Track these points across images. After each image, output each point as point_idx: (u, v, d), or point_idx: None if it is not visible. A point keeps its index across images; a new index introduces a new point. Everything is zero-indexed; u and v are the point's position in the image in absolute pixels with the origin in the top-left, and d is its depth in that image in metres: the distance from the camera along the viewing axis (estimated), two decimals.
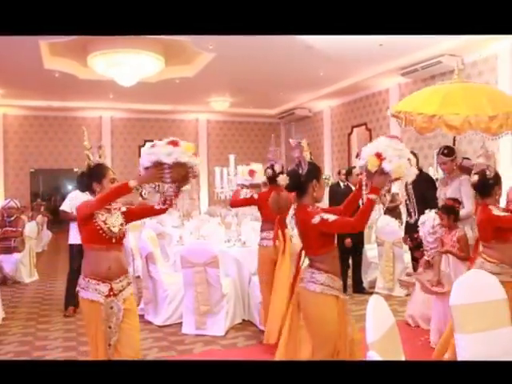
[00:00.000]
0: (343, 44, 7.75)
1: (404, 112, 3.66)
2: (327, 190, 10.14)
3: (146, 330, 4.04)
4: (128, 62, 8.27)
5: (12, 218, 6.22)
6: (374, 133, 11.23)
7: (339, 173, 6.65)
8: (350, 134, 12.43)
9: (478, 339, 1.98)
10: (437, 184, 4.23)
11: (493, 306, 2.06)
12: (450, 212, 3.46)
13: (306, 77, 10.15)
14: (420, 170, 4.34)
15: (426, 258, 3.66)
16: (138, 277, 5.04)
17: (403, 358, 1.78)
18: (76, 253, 4.65)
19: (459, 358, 1.99)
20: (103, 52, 8.14)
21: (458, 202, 3.51)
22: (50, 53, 8.72)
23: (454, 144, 3.94)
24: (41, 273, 6.80)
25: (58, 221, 11.42)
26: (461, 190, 3.65)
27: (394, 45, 7.81)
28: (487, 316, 2.03)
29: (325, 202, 11.07)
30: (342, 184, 5.80)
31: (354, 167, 5.78)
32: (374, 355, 1.49)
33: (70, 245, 4.69)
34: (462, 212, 3.59)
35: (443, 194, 3.77)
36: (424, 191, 4.13)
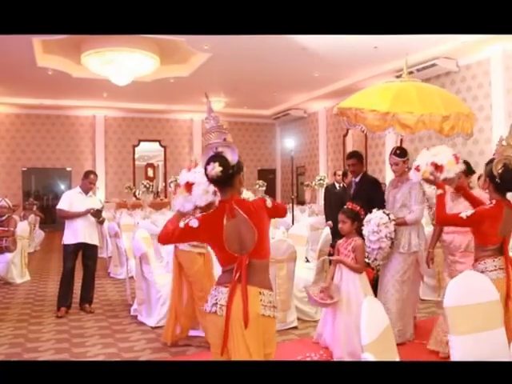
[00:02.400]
0: (338, 46, 7.78)
1: (355, 108, 3.51)
2: (322, 190, 10.20)
3: (139, 331, 4.01)
4: (122, 60, 8.21)
5: (3, 218, 6.13)
6: (369, 134, 11.27)
7: (335, 174, 6.66)
8: (345, 136, 12.47)
9: (471, 340, 2.00)
10: (386, 186, 4.08)
11: (486, 308, 2.07)
12: (356, 218, 3.17)
13: (301, 78, 10.17)
14: (364, 173, 4.18)
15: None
16: (132, 277, 5.00)
17: (397, 359, 1.78)
18: (70, 253, 4.60)
19: (452, 359, 2.00)
20: (97, 50, 8.08)
21: (360, 206, 3.26)
22: (43, 50, 8.64)
23: (401, 145, 3.90)
24: (33, 273, 6.72)
25: (50, 220, 11.35)
26: (411, 193, 3.54)
27: (389, 47, 7.86)
28: (480, 317, 2.05)
29: (320, 204, 11.09)
30: (337, 185, 5.80)
31: None
32: (368, 357, 1.50)
33: (64, 245, 4.62)
34: (411, 216, 3.50)
35: (392, 196, 3.67)
36: (369, 193, 3.90)
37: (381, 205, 3.62)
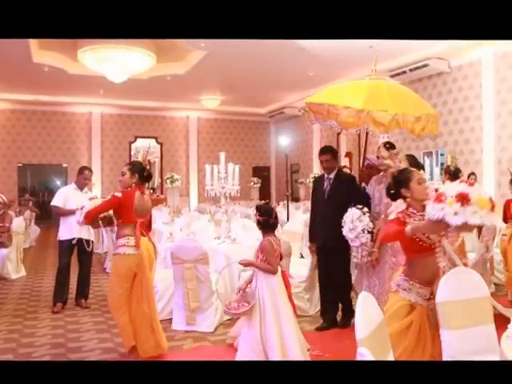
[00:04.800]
0: (333, 45, 7.85)
1: (327, 104, 3.41)
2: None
3: None
4: (119, 57, 8.23)
5: None
6: (363, 134, 11.36)
7: None
8: (339, 135, 12.56)
9: (462, 335, 2.03)
10: (370, 183, 3.84)
11: (477, 303, 2.10)
12: (263, 214, 2.82)
13: (296, 77, 10.23)
14: (338, 169, 3.96)
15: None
16: None
17: (391, 355, 1.81)
18: (65, 249, 4.64)
19: (444, 354, 2.03)
20: (94, 47, 8.10)
21: (258, 209, 2.88)
22: (39, 46, 8.64)
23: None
24: (28, 269, 6.74)
25: (46, 216, 11.34)
26: None
27: (383, 47, 7.92)
28: (471, 313, 2.07)
29: None
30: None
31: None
32: (364, 352, 1.50)
33: (60, 241, 4.65)
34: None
35: (378, 192, 3.60)
36: (347, 190, 3.71)
37: (360, 202, 3.54)
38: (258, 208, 2.91)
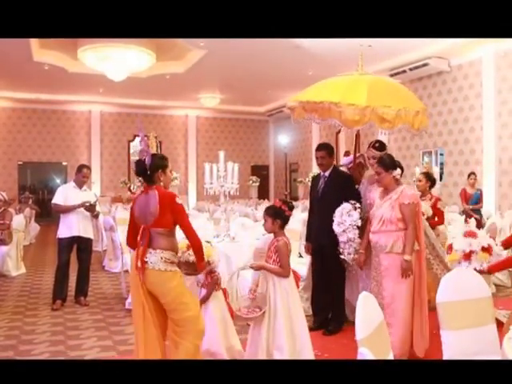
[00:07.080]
0: (332, 44, 7.86)
1: (328, 102, 3.27)
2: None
3: None
4: (118, 56, 8.25)
5: None
6: (362, 132, 11.36)
7: None
8: (338, 133, 12.57)
9: (462, 336, 2.03)
10: (362, 182, 3.78)
11: (478, 304, 2.11)
12: (277, 216, 2.69)
13: (295, 76, 10.24)
14: (334, 167, 3.83)
15: None
16: (127, 271, 5.06)
17: (391, 355, 1.81)
18: (64, 247, 4.65)
19: (444, 354, 2.04)
20: (94, 46, 8.11)
21: (287, 204, 2.74)
22: (40, 45, 8.65)
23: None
24: (28, 266, 6.76)
25: (46, 214, 11.37)
26: None
27: (383, 46, 7.94)
28: (472, 313, 2.08)
29: None
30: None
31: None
32: (365, 351, 1.50)
33: (59, 239, 4.66)
34: None
35: (368, 191, 3.53)
36: (342, 189, 3.61)
37: (354, 200, 3.45)
38: (286, 202, 2.73)
